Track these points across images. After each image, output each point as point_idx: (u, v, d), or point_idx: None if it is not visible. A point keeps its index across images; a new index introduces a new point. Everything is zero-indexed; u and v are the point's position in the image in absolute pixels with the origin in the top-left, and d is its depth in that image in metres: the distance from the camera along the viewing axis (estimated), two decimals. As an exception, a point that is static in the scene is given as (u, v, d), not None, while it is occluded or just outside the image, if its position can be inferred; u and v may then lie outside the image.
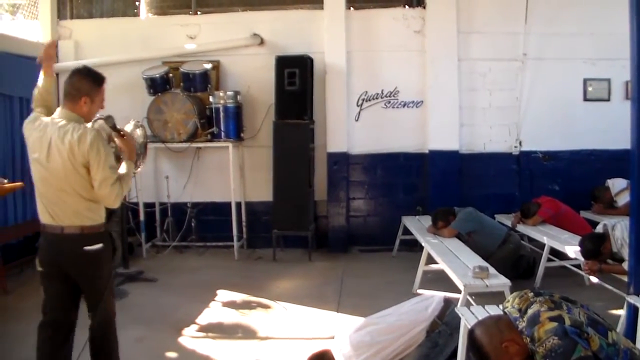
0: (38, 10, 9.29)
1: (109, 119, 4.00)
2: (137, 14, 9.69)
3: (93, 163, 3.70)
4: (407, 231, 8.34)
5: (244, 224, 9.24)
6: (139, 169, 4.80)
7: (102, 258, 3.89)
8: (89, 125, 3.93)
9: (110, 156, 3.79)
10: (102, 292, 3.91)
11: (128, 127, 4.82)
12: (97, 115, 4.06)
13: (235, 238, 8.77)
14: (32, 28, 9.22)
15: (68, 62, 9.12)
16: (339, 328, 5.29)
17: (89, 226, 3.82)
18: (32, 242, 7.73)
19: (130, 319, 5.07)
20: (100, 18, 9.64)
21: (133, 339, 4.96)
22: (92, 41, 9.35)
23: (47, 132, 3.76)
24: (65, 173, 3.72)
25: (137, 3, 9.68)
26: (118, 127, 4.05)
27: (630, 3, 4.12)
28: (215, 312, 6.36)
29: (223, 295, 6.92)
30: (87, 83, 3.86)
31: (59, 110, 3.88)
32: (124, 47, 9.19)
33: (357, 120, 9.21)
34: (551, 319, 2.78)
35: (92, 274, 3.88)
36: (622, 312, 4.91)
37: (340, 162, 9.09)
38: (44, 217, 3.86)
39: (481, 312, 3.98)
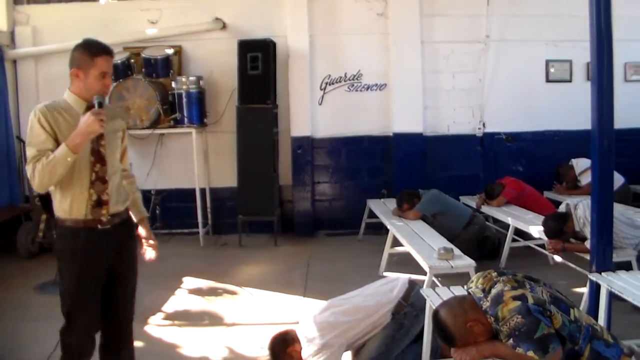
0: (-8, -6, 8.97)
1: (96, 97, 3.38)
2: (96, -1, 9.49)
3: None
4: (372, 214, 8.35)
5: (209, 210, 9.20)
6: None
7: (60, 256, 3.42)
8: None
9: (38, 136, 3.22)
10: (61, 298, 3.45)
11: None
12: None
13: (200, 224, 8.71)
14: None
15: (25, 48, 8.96)
16: (304, 311, 5.28)
17: (57, 218, 3.41)
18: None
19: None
20: (59, 3, 9.36)
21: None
22: (50, 27, 9.11)
23: None
24: None
25: (96, -13, 9.45)
26: (102, 108, 3.38)
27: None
28: (181, 299, 6.31)
29: (189, 282, 6.87)
30: (78, 53, 3.33)
31: None
32: (83, 33, 8.55)
33: (320, 104, 9.17)
34: (514, 298, 2.81)
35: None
36: (585, 290, 4.97)
37: (304, 146, 9.07)
38: None
39: (446, 293, 3.98)
